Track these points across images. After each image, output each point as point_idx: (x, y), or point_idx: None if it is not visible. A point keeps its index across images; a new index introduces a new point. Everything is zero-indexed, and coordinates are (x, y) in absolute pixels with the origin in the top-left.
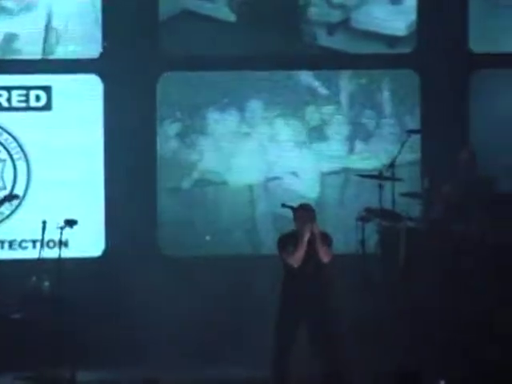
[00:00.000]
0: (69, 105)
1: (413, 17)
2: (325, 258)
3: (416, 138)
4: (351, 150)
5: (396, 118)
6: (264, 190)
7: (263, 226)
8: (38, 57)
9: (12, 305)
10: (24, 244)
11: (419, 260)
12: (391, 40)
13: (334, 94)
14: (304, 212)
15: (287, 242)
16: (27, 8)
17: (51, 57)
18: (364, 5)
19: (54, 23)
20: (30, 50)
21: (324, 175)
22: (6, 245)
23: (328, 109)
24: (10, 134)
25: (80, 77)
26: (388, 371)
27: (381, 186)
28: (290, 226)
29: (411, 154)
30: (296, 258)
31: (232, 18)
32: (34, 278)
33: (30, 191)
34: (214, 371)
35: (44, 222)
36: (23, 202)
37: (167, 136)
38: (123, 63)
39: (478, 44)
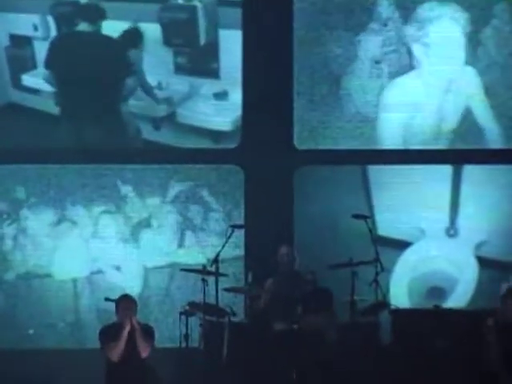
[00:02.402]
0: None
1: (238, 112)
2: (143, 352)
3: (240, 232)
4: (176, 245)
5: (221, 213)
6: (88, 283)
7: (87, 319)
8: None
9: None
10: None
11: (242, 355)
12: (216, 135)
13: (160, 189)
14: (124, 303)
15: (108, 334)
16: None
17: None
18: (189, 100)
19: None
20: None
21: (148, 269)
22: None
23: (153, 203)
24: None
25: None
26: None
27: (204, 281)
28: (114, 320)
29: (235, 248)
30: (115, 352)
31: (56, 111)
32: None
33: None
34: None
35: None
36: None
37: None
38: None
39: (302, 141)
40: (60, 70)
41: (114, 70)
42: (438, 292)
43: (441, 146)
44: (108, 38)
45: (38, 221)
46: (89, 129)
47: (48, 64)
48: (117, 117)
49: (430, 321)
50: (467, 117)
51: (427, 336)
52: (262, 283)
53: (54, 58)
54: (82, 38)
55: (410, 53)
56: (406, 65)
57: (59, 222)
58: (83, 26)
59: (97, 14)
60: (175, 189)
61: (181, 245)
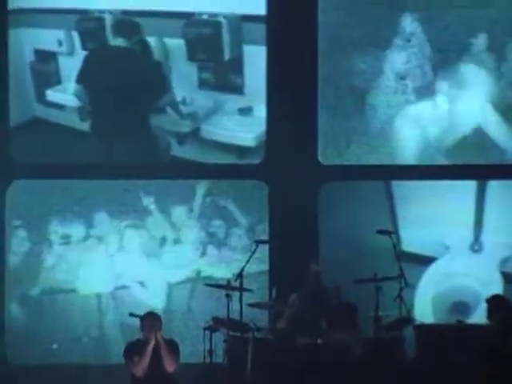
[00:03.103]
0: None
1: (262, 128)
2: (169, 367)
3: (265, 248)
4: (200, 260)
5: (246, 228)
6: (112, 298)
7: (111, 334)
8: None
9: None
10: None
11: (266, 370)
12: (240, 150)
13: (184, 204)
14: (149, 320)
15: (133, 350)
16: None
17: None
18: (214, 115)
19: None
20: None
21: (172, 284)
22: None
23: (178, 218)
24: None
25: None
26: None
27: (229, 296)
28: (138, 335)
29: (260, 264)
30: (140, 368)
31: (82, 126)
32: None
33: None
34: None
35: None
36: None
37: (16, 243)
38: None
39: (326, 156)
40: (93, 84)
41: (149, 85)
42: (462, 307)
43: (463, 161)
44: (143, 54)
45: (64, 236)
46: (120, 143)
47: (81, 78)
48: (148, 132)
49: (454, 336)
50: (487, 134)
51: (451, 351)
52: (287, 299)
53: (88, 73)
54: (117, 53)
55: (433, 70)
56: (430, 81)
57: (85, 237)
58: (118, 41)
59: (132, 30)
60: (199, 204)
61: (203, 260)
